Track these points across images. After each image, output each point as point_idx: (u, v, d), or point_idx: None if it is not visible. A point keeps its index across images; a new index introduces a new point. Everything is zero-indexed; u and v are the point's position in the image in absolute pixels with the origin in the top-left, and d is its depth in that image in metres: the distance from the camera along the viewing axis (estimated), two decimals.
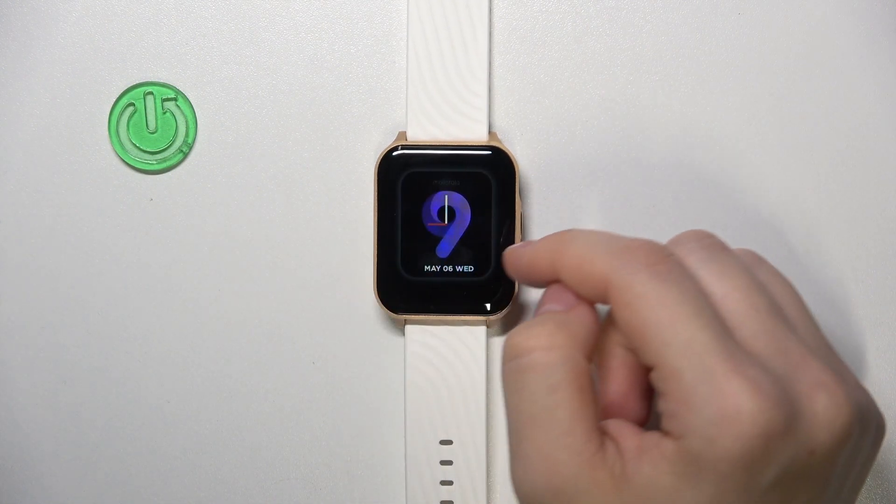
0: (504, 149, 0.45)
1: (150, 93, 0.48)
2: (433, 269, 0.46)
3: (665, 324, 0.36)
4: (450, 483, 0.46)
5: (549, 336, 0.38)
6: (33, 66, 0.48)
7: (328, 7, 0.48)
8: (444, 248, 0.46)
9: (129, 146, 0.48)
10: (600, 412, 0.39)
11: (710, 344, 0.35)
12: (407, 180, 0.46)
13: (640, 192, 0.47)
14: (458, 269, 0.46)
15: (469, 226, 0.46)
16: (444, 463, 0.46)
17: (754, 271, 0.40)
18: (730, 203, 0.47)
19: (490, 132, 0.47)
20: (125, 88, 0.48)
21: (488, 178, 0.45)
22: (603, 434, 0.38)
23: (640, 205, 0.47)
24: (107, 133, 0.48)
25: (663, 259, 0.37)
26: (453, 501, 0.46)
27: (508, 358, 0.39)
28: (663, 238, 0.47)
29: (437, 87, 0.46)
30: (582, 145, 0.47)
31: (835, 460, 0.36)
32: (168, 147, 0.48)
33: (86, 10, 0.48)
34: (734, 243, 0.47)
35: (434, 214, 0.46)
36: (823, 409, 0.36)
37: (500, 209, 0.45)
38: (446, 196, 0.46)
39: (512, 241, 0.45)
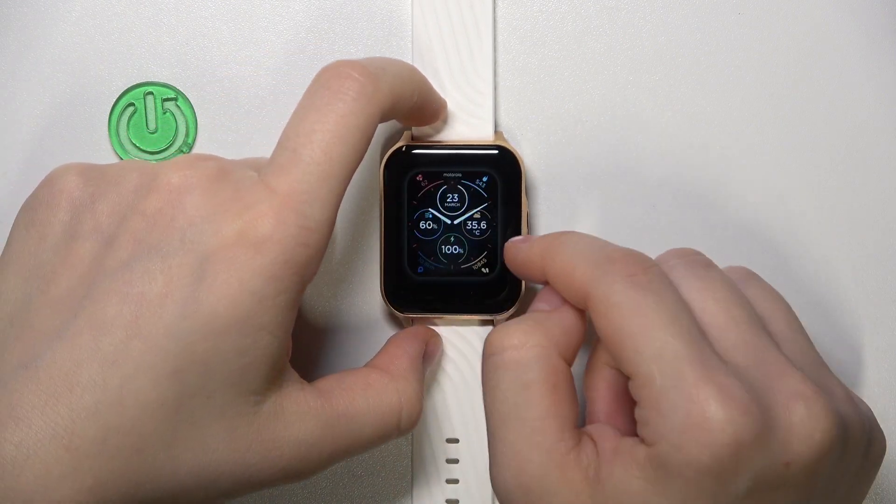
0: (510, 148, 0.45)
1: (150, 93, 0.48)
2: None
3: (638, 332, 0.36)
4: (455, 481, 0.46)
5: (524, 334, 0.38)
6: (33, 66, 0.47)
7: (328, 7, 0.48)
8: None
9: (129, 146, 0.48)
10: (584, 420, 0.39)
11: (682, 351, 0.35)
12: (413, 179, 0.45)
13: (640, 191, 0.47)
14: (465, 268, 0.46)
15: None
16: (449, 461, 0.46)
17: (743, 286, 0.40)
18: (729, 202, 0.47)
19: (496, 131, 0.47)
20: (125, 88, 0.48)
21: (494, 177, 0.45)
22: (581, 434, 0.38)
23: (640, 204, 0.47)
24: (107, 133, 0.48)
25: (644, 269, 0.37)
26: (459, 500, 0.46)
27: (486, 355, 0.39)
28: (662, 237, 0.47)
29: (442, 86, 0.46)
30: (582, 145, 0.48)
31: (814, 474, 0.35)
32: (168, 147, 0.48)
33: (86, 10, 0.48)
34: (733, 243, 0.47)
35: None
36: (800, 421, 0.35)
37: (507, 208, 0.45)
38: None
39: None
